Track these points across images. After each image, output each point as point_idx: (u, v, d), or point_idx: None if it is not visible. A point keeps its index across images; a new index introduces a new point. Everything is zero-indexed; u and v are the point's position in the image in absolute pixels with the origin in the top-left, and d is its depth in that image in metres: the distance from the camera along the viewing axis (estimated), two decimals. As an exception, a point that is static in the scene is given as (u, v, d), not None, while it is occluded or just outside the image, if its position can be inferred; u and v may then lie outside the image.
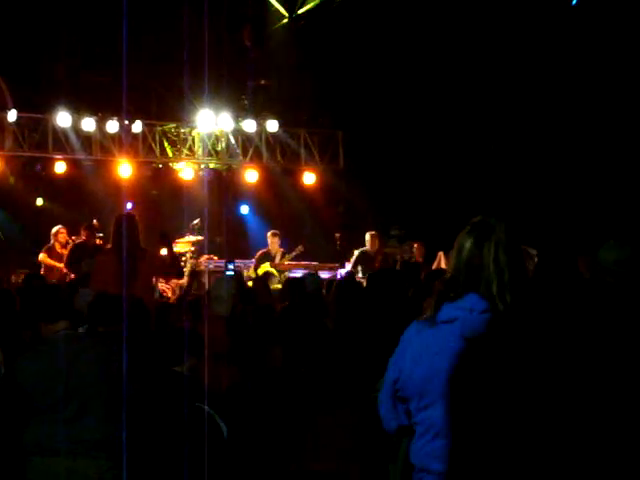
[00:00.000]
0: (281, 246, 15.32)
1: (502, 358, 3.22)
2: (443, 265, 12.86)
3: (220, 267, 14.62)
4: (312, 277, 7.82)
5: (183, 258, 15.37)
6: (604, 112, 14.47)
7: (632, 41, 13.82)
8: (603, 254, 4.80)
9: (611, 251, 4.78)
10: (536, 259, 7.00)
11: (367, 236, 15.01)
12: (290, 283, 7.87)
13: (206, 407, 5.00)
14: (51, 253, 13.96)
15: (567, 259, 5.01)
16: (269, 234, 15.42)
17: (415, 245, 15.22)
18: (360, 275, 13.73)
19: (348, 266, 15.07)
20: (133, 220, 9.41)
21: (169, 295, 14.05)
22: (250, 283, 11.77)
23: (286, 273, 14.37)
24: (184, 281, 14.22)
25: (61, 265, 13.58)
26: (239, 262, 15.81)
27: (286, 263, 14.91)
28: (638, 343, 3.99)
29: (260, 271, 14.51)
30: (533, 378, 3.22)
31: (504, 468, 3.22)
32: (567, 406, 3.30)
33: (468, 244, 3.34)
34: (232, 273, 12.19)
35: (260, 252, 15.21)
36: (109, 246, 9.66)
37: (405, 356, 3.40)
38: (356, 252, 14.89)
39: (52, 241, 14.03)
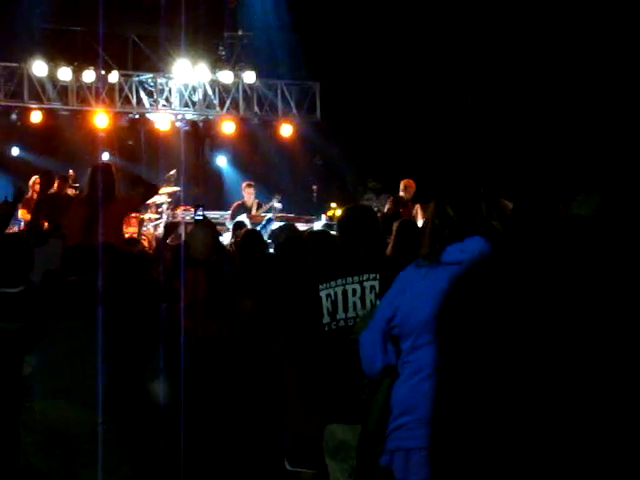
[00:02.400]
0: (257, 197, 15.29)
1: (501, 298, 3.30)
2: (419, 217, 12.84)
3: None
4: (282, 229, 7.77)
5: (159, 209, 15.38)
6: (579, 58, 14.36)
7: None
8: (575, 209, 4.84)
9: (582, 206, 4.81)
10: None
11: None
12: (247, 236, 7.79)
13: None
14: (29, 204, 13.91)
15: (543, 206, 5.02)
16: (244, 185, 15.30)
17: (391, 198, 15.12)
18: None
19: (324, 218, 15.05)
20: (109, 170, 9.36)
21: (145, 245, 14.07)
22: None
23: (262, 225, 14.35)
24: (160, 232, 14.24)
25: None
26: (216, 213, 15.83)
27: (262, 215, 14.88)
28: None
29: None
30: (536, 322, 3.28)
31: (494, 410, 3.25)
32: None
33: (456, 197, 3.49)
34: (201, 217, 12.00)
35: (236, 204, 15.14)
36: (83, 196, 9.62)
37: (404, 294, 3.43)
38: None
39: (30, 192, 13.99)
